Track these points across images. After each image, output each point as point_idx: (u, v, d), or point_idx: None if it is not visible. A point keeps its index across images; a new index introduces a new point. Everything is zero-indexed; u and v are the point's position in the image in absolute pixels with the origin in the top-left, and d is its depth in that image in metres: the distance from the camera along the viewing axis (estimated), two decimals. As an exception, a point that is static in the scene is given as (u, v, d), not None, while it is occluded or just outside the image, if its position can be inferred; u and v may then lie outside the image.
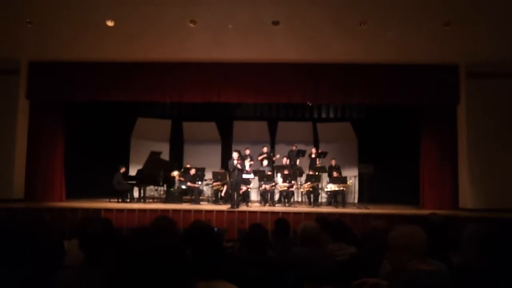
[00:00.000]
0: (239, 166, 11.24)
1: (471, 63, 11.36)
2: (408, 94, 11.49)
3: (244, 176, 11.85)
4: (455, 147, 11.73)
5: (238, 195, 11.38)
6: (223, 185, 12.64)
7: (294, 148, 13.98)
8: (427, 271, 2.44)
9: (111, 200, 12.32)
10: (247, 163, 12.22)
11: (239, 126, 15.71)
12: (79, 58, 11.55)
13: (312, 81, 11.69)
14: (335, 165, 13.22)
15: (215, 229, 3.27)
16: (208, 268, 2.28)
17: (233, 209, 10.68)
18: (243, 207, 11.17)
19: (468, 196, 11.28)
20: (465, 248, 3.50)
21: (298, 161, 13.81)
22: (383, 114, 13.59)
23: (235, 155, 11.49)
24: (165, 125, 15.74)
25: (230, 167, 11.36)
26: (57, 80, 11.73)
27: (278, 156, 13.72)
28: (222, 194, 12.70)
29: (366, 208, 11.43)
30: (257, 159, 13.26)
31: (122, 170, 12.70)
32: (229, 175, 11.55)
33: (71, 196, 12.42)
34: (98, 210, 10.51)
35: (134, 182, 12.72)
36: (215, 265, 2.37)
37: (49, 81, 11.75)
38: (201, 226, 2.90)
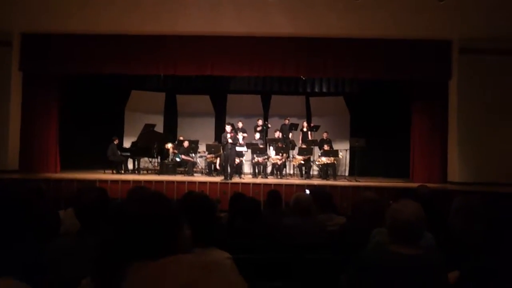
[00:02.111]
0: (231, 139, 11.24)
1: (464, 39, 11.30)
2: (400, 69, 11.46)
3: (237, 149, 11.86)
4: (446, 122, 11.78)
5: (232, 167, 11.41)
6: (216, 158, 12.67)
7: (287, 121, 13.97)
8: (408, 255, 2.43)
9: (106, 171, 12.31)
10: (240, 136, 12.22)
11: (232, 100, 15.64)
12: (73, 30, 11.36)
13: (306, 55, 11.60)
14: (327, 138, 13.24)
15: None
16: (202, 236, 2.30)
17: (226, 181, 10.73)
18: (236, 179, 11.22)
19: (456, 170, 11.39)
20: (453, 219, 3.55)
21: (290, 135, 13.82)
22: (375, 88, 13.56)
23: (228, 128, 11.48)
24: (159, 98, 15.64)
25: (223, 140, 11.35)
26: (51, 52, 11.55)
27: (270, 126, 13.74)
28: (217, 166, 12.74)
29: (356, 181, 11.52)
30: (256, 131, 13.26)
31: (116, 141, 12.66)
32: (223, 148, 11.55)
33: (66, 167, 12.40)
34: (92, 181, 10.52)
35: (129, 154, 12.71)
36: (210, 233, 2.38)
37: (42, 54, 11.58)
38: (196, 195, 2.90)
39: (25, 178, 10.44)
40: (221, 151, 12.02)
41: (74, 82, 12.57)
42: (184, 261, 0.83)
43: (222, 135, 11.52)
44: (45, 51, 11.56)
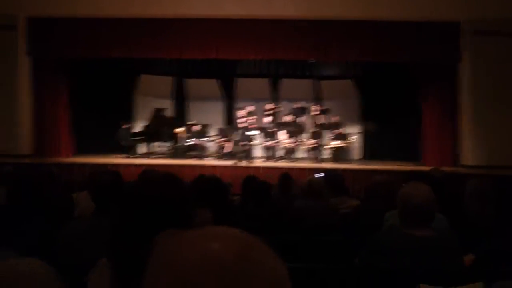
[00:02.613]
0: (243, 123, 11.25)
1: (474, 21, 11.10)
2: (409, 52, 11.31)
3: (248, 132, 11.86)
4: (457, 104, 11.66)
5: (243, 151, 11.45)
6: (227, 141, 12.68)
7: (296, 105, 13.91)
8: (421, 237, 2.43)
9: (118, 156, 12.39)
10: (250, 120, 12.21)
11: (241, 83, 15.58)
12: (79, 14, 11.32)
13: (309, 37, 11.49)
14: (338, 122, 13.17)
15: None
16: (217, 218, 2.30)
17: (243, 164, 10.81)
18: (246, 163, 11.23)
19: (469, 153, 11.29)
20: (466, 202, 3.53)
21: (301, 118, 13.77)
22: (385, 71, 13.42)
23: (241, 112, 11.46)
24: (168, 82, 15.63)
25: (235, 123, 11.37)
26: (57, 36, 11.53)
27: (282, 108, 13.71)
28: (229, 150, 12.77)
29: (367, 164, 11.49)
30: (266, 114, 13.24)
31: (124, 125, 12.71)
32: (233, 132, 11.58)
33: (78, 152, 12.49)
34: (105, 165, 10.61)
35: (140, 138, 12.75)
36: (225, 215, 2.39)
37: (49, 38, 11.54)
38: (208, 178, 2.91)
39: (37, 162, 10.56)
40: (231, 134, 12.04)
41: (83, 66, 12.58)
42: (221, 230, 0.81)
43: (235, 118, 11.53)
44: (51, 35, 11.53)
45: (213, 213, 2.18)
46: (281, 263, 0.77)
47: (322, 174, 5.30)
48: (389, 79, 13.64)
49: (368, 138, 12.63)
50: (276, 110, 13.80)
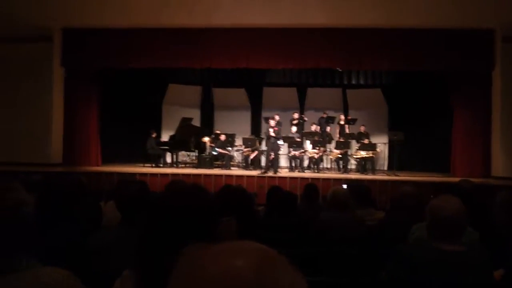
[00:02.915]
0: (274, 133, 11.24)
1: (508, 27, 10.86)
2: (440, 60, 11.12)
3: (274, 142, 11.84)
4: (489, 114, 11.39)
5: (275, 160, 11.46)
6: (253, 151, 12.70)
7: (324, 115, 13.86)
8: (450, 252, 2.37)
9: (145, 165, 12.55)
10: (276, 129, 12.16)
11: (268, 93, 15.62)
12: (110, 24, 11.57)
13: (340, 46, 11.44)
14: (365, 131, 13.06)
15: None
16: (243, 229, 2.31)
17: (265, 175, 10.81)
18: (272, 173, 11.21)
19: (500, 164, 11.01)
20: (497, 215, 3.44)
21: (327, 128, 13.70)
22: (414, 80, 13.25)
23: (272, 121, 11.47)
24: (196, 91, 15.79)
25: (265, 133, 11.41)
26: (90, 47, 11.80)
27: (306, 119, 13.68)
28: (253, 157, 12.76)
29: (395, 175, 11.33)
30: (292, 124, 13.24)
31: (154, 134, 12.89)
32: (262, 141, 11.58)
33: (106, 161, 12.71)
34: (132, 174, 10.75)
35: (167, 147, 12.90)
36: (250, 226, 2.39)
37: (82, 48, 11.84)
38: (233, 188, 2.92)
39: (67, 171, 10.78)
40: (257, 144, 12.08)
41: (113, 76, 12.83)
42: (244, 246, 0.83)
43: (266, 128, 11.57)
44: (84, 46, 11.82)
45: (238, 224, 2.19)
46: (301, 279, 0.78)
47: (348, 185, 5.25)
48: (418, 88, 13.46)
49: (395, 148, 12.45)
50: (303, 119, 13.77)
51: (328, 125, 13.71)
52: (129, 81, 13.73)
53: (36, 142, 11.70)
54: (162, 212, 1.49)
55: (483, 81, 11.37)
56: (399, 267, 2.47)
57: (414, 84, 13.49)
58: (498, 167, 11.07)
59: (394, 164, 12.48)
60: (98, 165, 12.27)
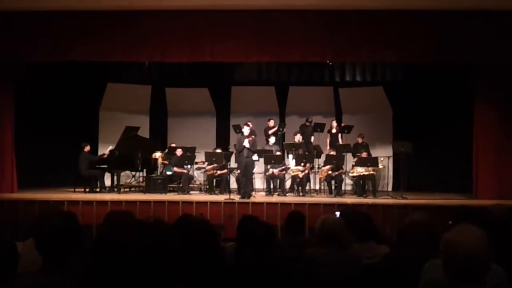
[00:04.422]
0: (248, 144, 11.20)
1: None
2: (457, 50, 11.23)
3: (247, 157, 11.84)
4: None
5: (249, 181, 11.45)
6: (219, 170, 12.68)
7: (309, 121, 13.94)
8: None
9: (76, 189, 12.38)
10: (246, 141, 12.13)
11: (238, 93, 15.65)
12: (32, 6, 11.38)
13: (332, 33, 11.53)
14: (363, 142, 13.18)
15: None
16: (202, 275, 2.30)
17: (240, 200, 10.85)
18: (243, 198, 11.18)
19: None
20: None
21: (313, 138, 13.79)
22: (425, 76, 13.47)
23: (246, 129, 11.43)
24: (143, 92, 15.71)
25: (238, 145, 11.37)
26: (3, 35, 11.59)
27: (286, 127, 13.75)
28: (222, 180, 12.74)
29: (402, 198, 11.45)
30: (269, 134, 13.25)
31: (87, 148, 12.72)
32: (231, 156, 11.55)
33: (24, 186, 12.48)
34: (60, 203, 10.57)
35: (105, 166, 12.75)
36: (211, 270, 2.39)
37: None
38: (193, 220, 2.92)
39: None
40: (223, 161, 12.09)
41: (35, 74, 12.66)
42: None
43: (237, 138, 11.56)
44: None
45: (194, 267, 2.20)
46: None
47: (341, 213, 5.28)
48: (431, 86, 13.68)
49: (402, 164, 12.59)
50: (283, 127, 13.82)
51: (315, 135, 13.80)
52: (55, 81, 13.56)
53: None
54: (100, 254, 1.47)
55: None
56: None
57: (426, 81, 13.70)
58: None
59: (401, 183, 12.62)
60: (12, 192, 12.02)
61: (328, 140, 13.75)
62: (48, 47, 11.61)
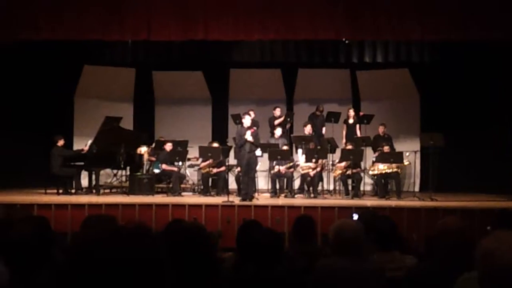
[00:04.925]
0: (251, 137, 11.15)
1: None
2: (496, 26, 11.27)
3: (249, 152, 11.83)
4: None
5: (251, 181, 11.46)
6: (216, 167, 12.68)
7: (321, 109, 13.93)
8: None
9: (48, 190, 12.41)
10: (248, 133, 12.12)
11: (238, 77, 15.65)
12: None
13: (349, 5, 11.56)
14: (385, 134, 13.19)
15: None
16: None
17: (241, 203, 10.84)
18: (246, 200, 11.20)
19: None
20: None
21: (324, 130, 13.79)
22: (458, 56, 13.46)
23: (247, 119, 11.39)
24: (126, 76, 15.70)
25: (238, 137, 11.35)
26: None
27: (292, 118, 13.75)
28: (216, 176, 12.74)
29: (432, 200, 11.46)
30: (274, 124, 13.22)
31: (60, 142, 12.71)
32: (230, 151, 11.55)
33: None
34: (28, 206, 10.58)
35: (81, 163, 12.76)
36: (207, 287, 2.40)
37: None
38: (184, 226, 2.92)
39: None
40: (220, 157, 12.09)
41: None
42: None
43: (237, 130, 11.56)
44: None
45: (185, 281, 2.19)
46: None
47: (360, 217, 5.29)
48: (466, 69, 13.65)
49: (432, 159, 12.59)
50: (291, 117, 13.82)
51: (325, 125, 13.80)
52: (21, 63, 13.54)
53: None
54: (78, 268, 1.47)
55: None
56: None
57: (459, 63, 13.68)
58: None
59: (430, 183, 12.63)
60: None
61: (344, 132, 13.76)
62: (10, 24, 11.61)
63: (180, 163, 12.95)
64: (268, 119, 13.60)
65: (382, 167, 12.36)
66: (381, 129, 13.28)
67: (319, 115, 13.87)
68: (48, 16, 11.57)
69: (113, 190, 13.48)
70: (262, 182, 13.54)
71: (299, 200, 11.69)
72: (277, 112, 13.62)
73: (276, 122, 13.39)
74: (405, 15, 11.50)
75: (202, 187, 13.00)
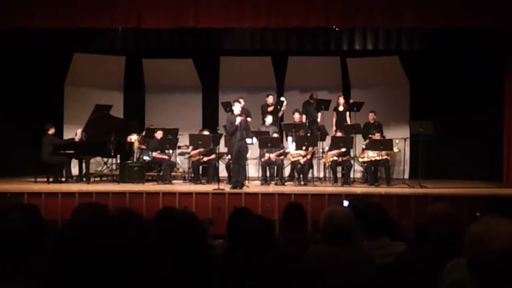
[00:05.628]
0: (233, 125, 11.17)
1: None
2: (487, 13, 11.28)
3: (240, 139, 11.82)
4: None
5: (242, 168, 11.47)
6: (206, 155, 12.67)
7: (315, 97, 13.92)
8: None
9: (38, 179, 12.38)
10: (238, 119, 12.09)
11: (228, 65, 15.60)
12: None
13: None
14: (375, 122, 13.19)
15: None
16: (186, 278, 2.31)
17: (231, 190, 10.85)
18: (236, 187, 11.21)
19: None
20: None
21: (319, 117, 13.79)
22: (447, 44, 13.46)
23: (237, 107, 11.39)
24: (116, 64, 15.64)
25: (229, 125, 11.35)
26: None
27: (284, 108, 13.71)
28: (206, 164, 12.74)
29: (421, 186, 11.51)
30: (265, 112, 13.20)
31: (51, 131, 12.66)
32: (220, 139, 11.53)
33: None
34: (19, 194, 10.56)
35: (72, 151, 12.73)
36: (197, 273, 2.40)
37: None
38: (175, 214, 2.92)
39: None
40: (211, 145, 12.08)
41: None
42: None
43: (227, 118, 11.54)
44: None
45: (177, 267, 2.19)
46: None
47: (350, 204, 5.30)
48: (455, 56, 13.66)
49: (421, 147, 12.62)
50: (281, 104, 13.81)
51: (320, 113, 13.80)
52: (10, 51, 13.46)
53: None
54: (69, 255, 1.47)
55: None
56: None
57: (449, 50, 13.69)
58: None
59: (420, 170, 12.66)
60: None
61: (334, 120, 13.74)
62: (3, 12, 11.54)
63: (171, 151, 12.92)
64: (261, 106, 13.57)
65: (372, 154, 12.38)
66: (371, 117, 13.29)
67: (313, 103, 13.84)
68: (41, 4, 11.51)
69: (104, 178, 13.48)
70: (253, 169, 13.54)
71: (289, 188, 11.71)
72: (270, 99, 13.60)
73: (269, 109, 13.36)
74: (395, 3, 11.49)
75: (192, 175, 12.99)
